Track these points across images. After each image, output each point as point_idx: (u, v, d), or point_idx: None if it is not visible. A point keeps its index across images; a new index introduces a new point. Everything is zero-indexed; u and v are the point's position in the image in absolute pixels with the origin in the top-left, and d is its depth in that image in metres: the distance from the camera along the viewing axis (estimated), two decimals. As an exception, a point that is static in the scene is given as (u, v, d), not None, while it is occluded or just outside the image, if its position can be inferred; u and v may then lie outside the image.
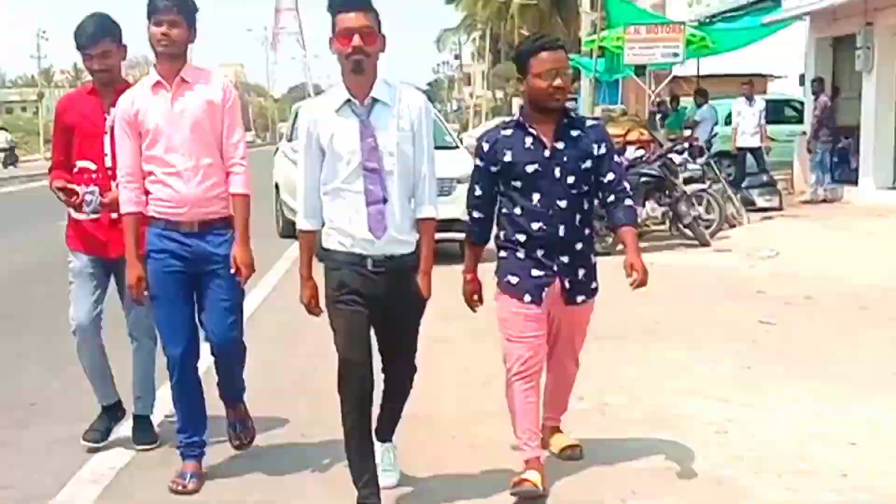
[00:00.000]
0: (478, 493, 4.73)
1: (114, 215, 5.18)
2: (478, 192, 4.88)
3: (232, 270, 4.83)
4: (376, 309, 4.42)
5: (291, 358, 7.48)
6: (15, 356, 7.60)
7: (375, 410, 4.63)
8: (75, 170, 5.35)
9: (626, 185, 4.91)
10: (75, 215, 5.36)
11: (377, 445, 4.69)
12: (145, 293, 4.94)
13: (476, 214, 4.89)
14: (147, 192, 4.91)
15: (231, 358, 5.12)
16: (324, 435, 5.34)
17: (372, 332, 4.50)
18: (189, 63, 4.98)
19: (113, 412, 5.58)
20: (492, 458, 5.13)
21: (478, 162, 4.89)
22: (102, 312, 5.46)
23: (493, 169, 4.78)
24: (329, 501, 4.70)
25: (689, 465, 5.04)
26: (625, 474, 4.92)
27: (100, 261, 5.39)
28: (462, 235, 5.10)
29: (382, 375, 4.64)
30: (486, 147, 4.81)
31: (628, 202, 4.86)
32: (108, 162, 5.24)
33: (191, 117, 4.83)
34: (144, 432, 5.43)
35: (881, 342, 7.81)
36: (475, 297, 4.94)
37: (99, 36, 5.19)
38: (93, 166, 5.29)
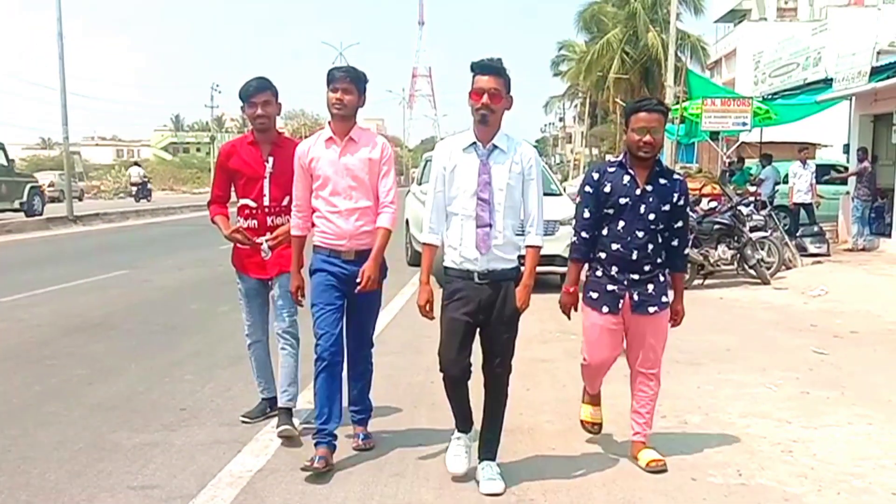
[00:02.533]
0: (574, 498, 4.44)
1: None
2: (586, 214, 4.80)
3: (358, 279, 4.79)
4: (481, 315, 4.43)
5: (412, 372, 7.06)
6: (170, 364, 7.30)
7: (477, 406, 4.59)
8: (238, 205, 5.40)
9: (689, 235, 4.84)
10: (242, 243, 5.40)
11: (481, 463, 4.57)
12: (303, 299, 5.08)
13: (583, 234, 4.80)
14: (314, 225, 4.96)
15: (362, 367, 5.18)
16: (439, 440, 5.11)
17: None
18: (357, 123, 4.98)
19: (269, 402, 5.65)
20: (588, 467, 4.86)
21: (587, 189, 4.82)
22: (268, 322, 5.52)
23: (599, 196, 4.75)
24: (440, 502, 4.39)
25: (759, 482, 4.70)
26: (703, 488, 4.59)
27: (262, 282, 5.43)
28: (562, 269, 5.08)
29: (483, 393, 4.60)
30: (595, 176, 4.82)
31: (686, 251, 4.95)
32: (265, 201, 5.30)
33: (354, 169, 4.85)
34: (287, 421, 5.26)
35: (918, 374, 7.33)
36: (570, 307, 4.86)
37: (262, 88, 5.27)
38: (253, 204, 5.33)
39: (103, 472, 4.72)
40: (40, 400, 6.23)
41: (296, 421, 5.34)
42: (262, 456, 4.99)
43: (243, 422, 5.51)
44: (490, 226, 4.38)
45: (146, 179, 44.48)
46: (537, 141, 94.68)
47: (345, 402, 5.16)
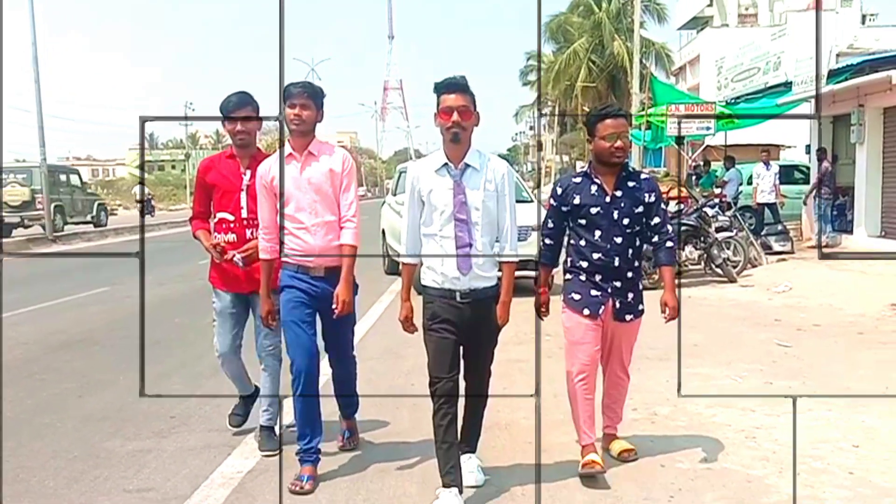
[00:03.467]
0: (549, 488, 4.60)
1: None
2: (550, 224, 4.86)
3: (333, 305, 4.75)
4: (464, 332, 4.38)
5: (393, 374, 7.31)
6: (157, 376, 7.43)
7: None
8: (215, 219, 5.32)
9: (669, 228, 4.86)
10: (217, 259, 5.28)
11: (463, 456, 4.55)
12: (274, 323, 4.96)
13: (547, 241, 4.86)
14: (282, 243, 4.86)
15: (346, 370, 5.19)
16: (421, 438, 5.28)
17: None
18: (316, 138, 4.91)
19: (250, 398, 5.65)
20: (560, 458, 5.05)
21: (552, 202, 4.84)
22: (241, 341, 5.44)
23: (564, 208, 4.77)
24: (424, 494, 4.52)
25: (724, 466, 4.93)
26: (671, 473, 4.80)
27: (239, 297, 5.33)
28: (535, 273, 5.01)
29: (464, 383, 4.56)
30: (559, 191, 4.82)
31: (670, 244, 4.87)
32: (243, 213, 5.21)
33: (315, 183, 4.78)
34: (270, 441, 5.27)
35: (874, 362, 7.62)
36: (543, 307, 4.84)
37: (242, 104, 5.18)
38: (231, 217, 5.25)
39: (99, 478, 4.87)
40: (33, 413, 6.36)
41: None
42: (252, 458, 5.15)
43: (232, 424, 5.57)
44: (470, 245, 4.33)
45: (150, 196, 46.03)
46: (509, 150, 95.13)
47: (326, 412, 5.09)
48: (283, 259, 4.86)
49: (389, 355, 7.90)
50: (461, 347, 4.44)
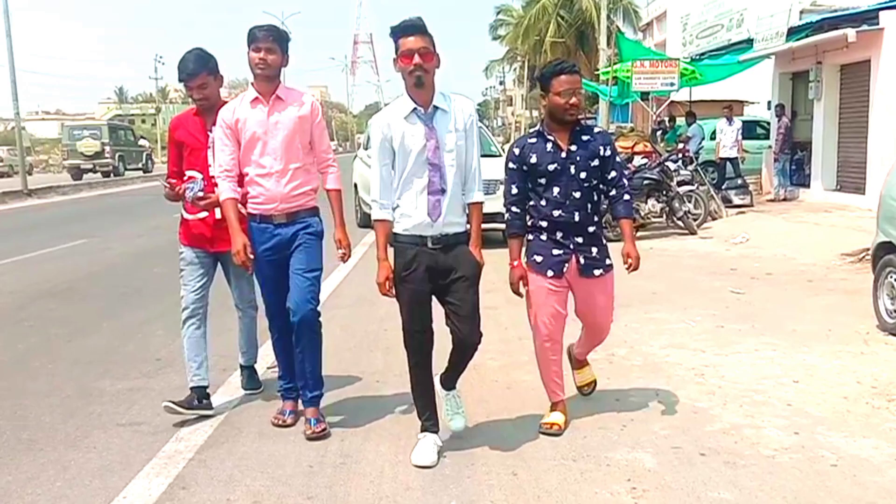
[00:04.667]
0: (513, 424, 4.86)
1: (217, 215, 4.96)
2: (513, 190, 4.67)
3: (339, 251, 4.81)
4: (438, 280, 4.27)
5: (367, 321, 7.48)
6: (141, 322, 7.65)
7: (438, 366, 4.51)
8: (185, 178, 5.09)
9: (626, 181, 4.81)
10: (185, 216, 5.13)
11: (443, 393, 4.51)
12: (249, 263, 4.66)
13: (514, 209, 4.67)
14: (246, 193, 4.74)
15: (308, 330, 4.71)
16: (395, 381, 5.49)
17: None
18: (282, 83, 4.78)
19: (198, 394, 5.02)
20: (524, 396, 5.28)
21: (511, 165, 4.69)
22: (208, 297, 5.14)
23: (524, 168, 4.64)
24: (400, 436, 4.63)
25: (673, 400, 5.24)
26: (626, 406, 5.10)
27: (207, 254, 5.11)
28: (503, 225, 4.85)
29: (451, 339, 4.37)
30: (517, 152, 4.68)
31: (626, 197, 4.79)
32: (211, 171, 4.96)
33: (283, 128, 4.65)
34: (251, 380, 5.43)
35: (821, 307, 7.99)
36: (519, 280, 4.63)
37: (198, 70, 4.93)
38: (198, 175, 5.03)
39: (93, 414, 5.14)
40: (25, 356, 6.61)
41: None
42: (235, 395, 5.43)
43: (166, 408, 4.90)
44: (443, 191, 4.22)
45: (150, 150, 47.01)
46: (479, 105, 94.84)
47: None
48: (248, 211, 4.75)
49: (363, 302, 8.15)
50: (435, 296, 4.34)
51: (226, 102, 5.05)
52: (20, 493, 3.99)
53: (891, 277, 6.91)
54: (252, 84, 4.73)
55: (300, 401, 4.91)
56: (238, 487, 4.00)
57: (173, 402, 4.90)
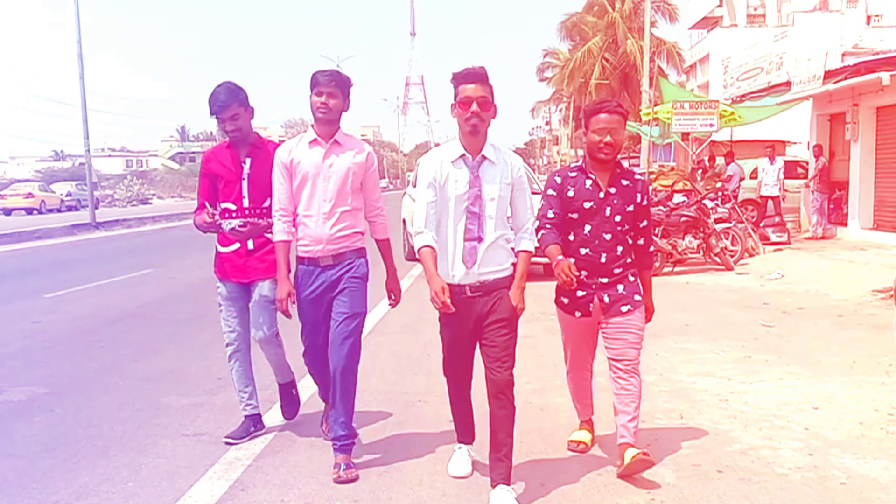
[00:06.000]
0: (543, 441, 5.09)
1: (250, 246, 5.01)
2: (550, 213, 4.55)
3: (389, 299, 4.93)
4: (479, 324, 4.18)
5: (412, 347, 7.73)
6: (203, 345, 7.96)
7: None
8: (219, 210, 5.05)
9: (652, 232, 4.80)
10: (219, 249, 5.14)
11: (494, 490, 4.11)
12: (290, 307, 4.68)
13: (548, 226, 4.51)
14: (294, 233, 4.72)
15: (343, 379, 4.59)
16: (436, 401, 5.75)
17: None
18: (340, 128, 4.74)
19: (252, 421, 5.22)
20: (556, 417, 5.53)
21: (550, 192, 4.60)
22: (249, 329, 5.17)
23: (562, 198, 4.57)
24: (439, 450, 4.89)
25: (696, 422, 5.46)
26: (651, 426, 5.32)
27: (240, 286, 5.10)
28: (543, 259, 4.87)
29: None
30: (558, 180, 4.61)
31: (651, 248, 4.78)
32: (245, 202, 4.99)
33: (336, 172, 4.63)
34: (290, 404, 5.48)
35: (848, 341, 8.09)
36: (566, 267, 4.32)
37: (229, 102, 4.91)
38: (233, 207, 5.01)
39: (160, 425, 5.52)
40: (97, 374, 7.03)
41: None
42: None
43: (227, 443, 5.06)
44: (480, 239, 4.15)
45: None
46: (525, 144, 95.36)
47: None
48: (297, 254, 4.73)
49: (408, 330, 8.44)
50: (476, 342, 4.26)
51: (259, 135, 5.19)
52: (97, 492, 4.35)
53: (912, 311, 7.05)
54: (312, 126, 4.72)
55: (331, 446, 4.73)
56: (291, 491, 4.33)
57: (232, 438, 5.09)
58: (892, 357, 7.23)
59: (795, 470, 4.59)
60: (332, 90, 4.60)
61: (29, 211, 39.35)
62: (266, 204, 4.95)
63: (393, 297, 4.96)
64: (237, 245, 5.06)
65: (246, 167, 4.99)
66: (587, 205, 4.53)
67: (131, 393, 6.38)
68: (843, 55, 19.92)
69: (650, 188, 4.80)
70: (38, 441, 5.24)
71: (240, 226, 4.96)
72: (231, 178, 5.02)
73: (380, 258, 4.85)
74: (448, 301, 4.01)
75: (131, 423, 5.57)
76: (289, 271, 4.70)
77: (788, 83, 19.77)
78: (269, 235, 4.92)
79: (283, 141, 5.02)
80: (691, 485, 4.38)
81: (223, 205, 5.06)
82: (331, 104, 4.59)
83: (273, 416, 5.58)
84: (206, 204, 5.06)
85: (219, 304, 5.21)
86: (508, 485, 4.11)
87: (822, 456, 4.81)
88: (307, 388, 5.77)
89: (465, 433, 4.62)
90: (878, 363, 7.09)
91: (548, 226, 4.55)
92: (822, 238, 17.67)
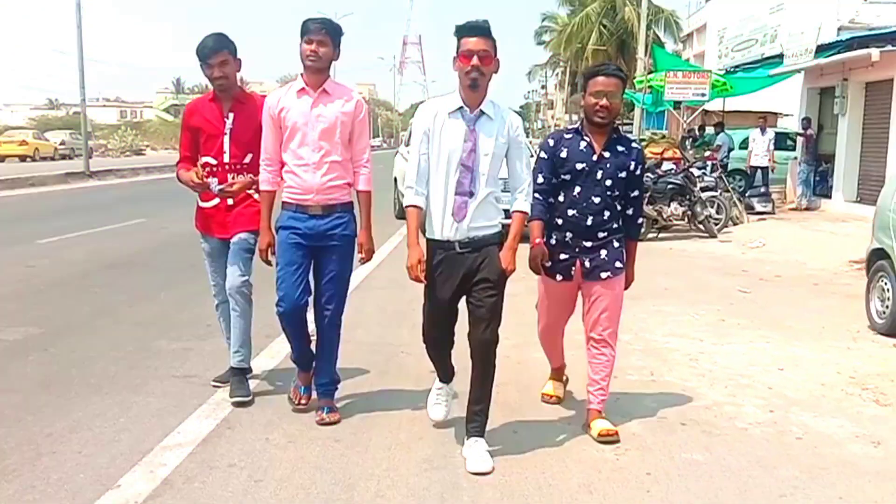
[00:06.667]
0: (519, 393, 5.28)
1: (230, 201, 4.99)
2: (540, 179, 4.54)
3: (359, 254, 4.74)
4: (467, 281, 4.16)
5: (397, 302, 7.83)
6: (194, 294, 7.84)
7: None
8: (200, 164, 5.02)
9: (644, 202, 4.83)
10: (200, 204, 5.11)
11: (468, 441, 4.21)
12: (271, 258, 4.70)
13: (538, 196, 4.47)
14: (283, 180, 4.67)
15: (330, 332, 4.76)
16: (418, 353, 5.60)
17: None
18: (331, 77, 4.67)
19: (246, 371, 5.18)
20: (532, 371, 5.65)
21: (542, 154, 4.59)
22: None
23: (554, 161, 4.55)
24: (418, 396, 5.00)
25: (665, 379, 5.69)
26: (622, 382, 5.48)
27: (223, 241, 5.07)
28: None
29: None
30: (550, 143, 4.60)
31: (640, 220, 4.81)
32: (226, 158, 4.95)
33: (325, 121, 4.54)
34: (241, 386, 4.99)
35: (821, 308, 8.34)
36: (539, 258, 4.51)
37: (218, 48, 4.86)
38: (214, 161, 4.97)
39: (151, 367, 5.71)
40: (91, 318, 7.21)
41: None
42: (276, 357, 5.92)
43: (215, 386, 5.22)
44: (471, 194, 4.10)
45: None
46: (521, 107, 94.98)
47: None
48: (283, 199, 4.67)
49: (394, 285, 8.59)
50: (457, 308, 4.29)
51: (243, 90, 5.12)
52: (89, 426, 4.54)
53: (881, 281, 7.27)
54: (301, 75, 4.63)
55: (315, 390, 4.88)
56: (276, 430, 4.53)
57: (220, 381, 5.20)
58: (860, 324, 7.46)
59: (756, 425, 4.81)
60: (323, 38, 4.51)
61: (23, 158, 39.12)
62: (247, 160, 4.94)
63: (363, 255, 4.78)
64: (217, 201, 5.05)
65: (228, 122, 4.94)
66: (579, 166, 4.50)
67: (124, 336, 6.56)
68: (839, 30, 20.00)
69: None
70: (33, 378, 5.43)
71: (228, 185, 4.96)
72: (213, 132, 4.97)
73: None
74: (422, 276, 4.14)
75: (123, 364, 5.75)
76: (269, 222, 4.73)
77: (781, 56, 19.87)
78: (251, 192, 4.98)
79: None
80: (654, 435, 4.60)
81: (204, 158, 5.02)
82: (321, 52, 4.51)
83: (260, 361, 5.75)
84: (198, 165, 5.04)
85: (204, 258, 5.29)
86: (482, 437, 4.22)
87: (782, 413, 5.03)
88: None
89: (444, 374, 4.61)
90: (847, 329, 7.32)
91: (537, 195, 4.49)
92: (807, 209, 17.91)
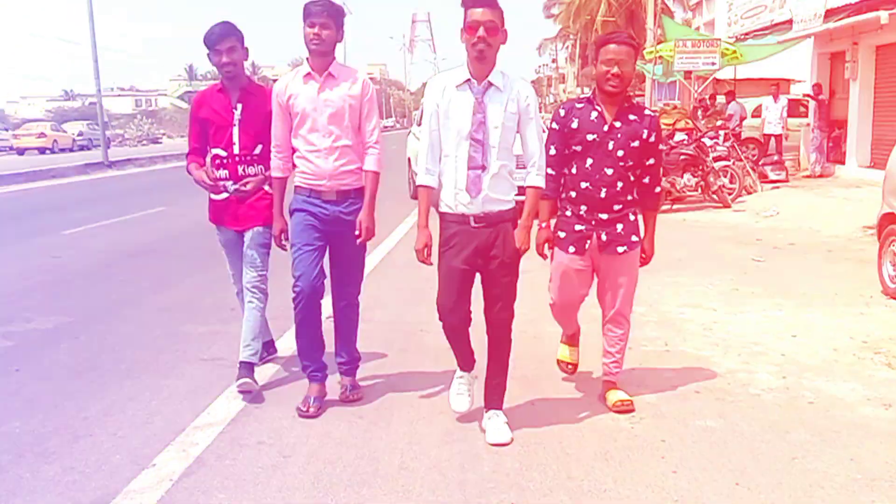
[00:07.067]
0: (535, 366, 5.36)
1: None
2: (552, 151, 4.48)
3: (356, 232, 4.60)
4: (479, 260, 4.11)
5: (415, 280, 7.79)
6: (217, 279, 7.48)
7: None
8: (210, 156, 5.01)
9: (661, 171, 4.61)
10: (212, 196, 5.05)
11: (487, 413, 4.33)
12: (284, 243, 4.77)
13: (550, 171, 4.37)
14: (295, 166, 4.66)
15: (348, 313, 4.88)
16: (436, 330, 5.64)
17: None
18: (336, 59, 4.62)
19: (266, 346, 5.42)
20: (548, 344, 5.67)
21: (553, 125, 4.53)
22: None
23: (565, 131, 4.49)
24: (437, 373, 5.17)
25: (680, 349, 5.78)
26: (636, 353, 5.58)
27: (235, 234, 5.05)
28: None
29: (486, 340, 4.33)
30: (562, 113, 4.54)
31: (658, 189, 4.64)
32: (235, 149, 4.89)
33: (332, 105, 4.51)
34: (247, 374, 4.89)
35: (834, 274, 8.41)
36: (545, 242, 4.55)
37: (226, 34, 4.82)
38: (223, 153, 4.92)
39: (179, 351, 5.87)
40: (118, 305, 7.38)
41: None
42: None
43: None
44: (483, 168, 4.01)
45: None
46: (532, 82, 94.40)
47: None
48: (296, 184, 4.66)
49: (412, 265, 8.53)
50: (475, 276, 4.19)
51: (251, 80, 5.09)
52: (122, 409, 4.70)
53: (893, 246, 7.32)
54: (307, 59, 4.59)
55: (339, 371, 4.94)
56: (301, 408, 4.66)
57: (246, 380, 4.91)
58: (873, 289, 7.52)
59: (768, 391, 4.90)
60: (325, 20, 4.45)
61: (41, 150, 39.49)
62: (257, 150, 4.90)
63: (359, 233, 4.61)
64: (228, 194, 5.01)
65: (237, 113, 4.89)
66: (590, 137, 4.42)
67: (151, 322, 6.72)
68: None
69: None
70: (66, 365, 5.59)
71: (242, 185, 4.92)
72: (222, 123, 4.91)
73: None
74: (428, 260, 4.15)
75: (152, 350, 5.91)
76: (282, 209, 4.78)
77: (790, 21, 19.72)
78: (265, 188, 4.95)
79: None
80: (669, 403, 4.70)
81: (213, 150, 4.97)
82: (324, 35, 4.45)
83: (285, 342, 5.88)
84: (208, 166, 5.01)
85: (221, 247, 5.26)
86: (500, 409, 4.32)
87: (795, 379, 5.12)
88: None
89: (465, 362, 4.46)
90: (860, 295, 7.38)
91: (549, 171, 4.37)
92: (821, 176, 17.83)
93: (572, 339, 5.17)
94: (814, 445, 4.09)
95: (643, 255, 4.68)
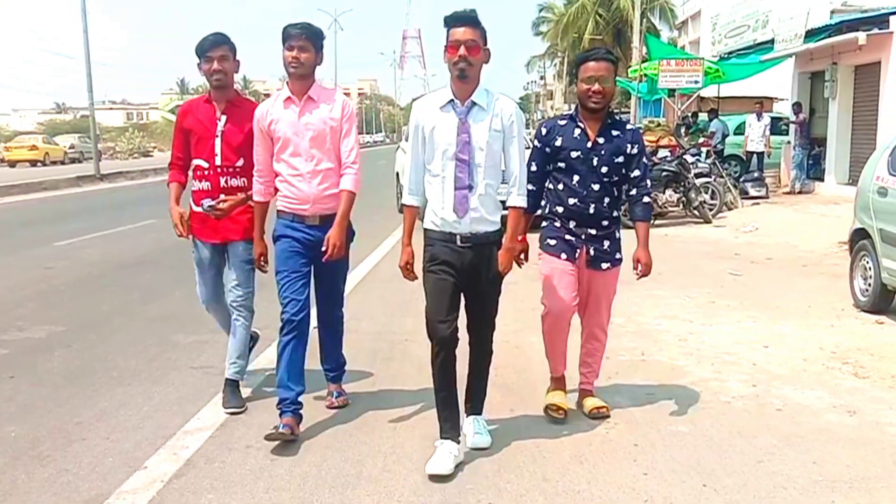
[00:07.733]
0: (517, 376, 5.50)
1: (223, 205, 4.82)
2: (533, 167, 4.51)
3: (323, 248, 4.44)
4: (465, 278, 4.08)
5: (401, 293, 7.66)
6: None
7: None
8: (192, 167, 4.94)
9: (648, 183, 4.64)
10: (194, 207, 4.94)
11: (468, 419, 4.33)
12: (264, 265, 4.74)
13: (530, 187, 4.34)
14: (277, 190, 4.59)
15: (332, 329, 4.94)
16: (422, 341, 5.61)
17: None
18: (317, 82, 4.58)
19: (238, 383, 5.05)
20: (530, 355, 5.88)
21: (536, 143, 4.57)
22: (223, 288, 5.07)
23: (547, 150, 4.52)
24: (422, 381, 5.00)
25: (655, 358, 5.94)
26: (613, 363, 5.69)
27: (216, 248, 4.97)
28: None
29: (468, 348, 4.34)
30: (544, 131, 4.57)
31: (647, 200, 4.62)
32: (217, 161, 4.82)
33: (313, 129, 4.46)
34: (234, 397, 4.88)
35: (808, 288, 8.60)
36: (520, 253, 4.50)
37: (219, 42, 4.79)
38: (205, 164, 4.85)
39: (170, 359, 5.99)
40: (109, 315, 7.49)
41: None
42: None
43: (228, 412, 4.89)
44: (470, 188, 3.99)
45: None
46: (521, 98, 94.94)
47: (316, 367, 5.03)
48: (278, 209, 4.59)
49: (397, 279, 8.54)
50: (461, 293, 4.15)
51: (238, 93, 5.06)
52: (115, 415, 4.81)
53: (864, 260, 7.51)
54: (286, 83, 4.57)
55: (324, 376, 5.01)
56: (288, 414, 4.78)
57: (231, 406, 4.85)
58: (845, 302, 7.70)
59: (738, 398, 5.06)
60: (304, 44, 4.43)
61: (33, 163, 39.47)
62: (239, 163, 4.83)
63: (325, 248, 4.45)
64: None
65: (220, 124, 4.83)
66: (574, 154, 4.46)
67: (142, 332, 6.84)
68: (832, 13, 20.07)
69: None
70: (59, 373, 5.71)
71: (219, 202, 4.82)
72: (205, 134, 4.86)
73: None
74: (411, 277, 4.19)
75: (143, 358, 6.03)
76: (263, 232, 4.73)
77: (773, 41, 20.01)
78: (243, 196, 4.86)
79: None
80: (643, 410, 4.85)
81: (196, 161, 4.91)
82: (302, 58, 4.42)
83: (271, 352, 5.98)
84: (180, 220, 4.91)
85: (194, 267, 5.16)
86: (481, 414, 4.41)
87: (764, 387, 5.28)
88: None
89: (449, 423, 4.16)
90: (832, 308, 7.57)
91: (530, 185, 4.37)
92: (801, 193, 18.09)
93: (560, 382, 4.90)
94: (779, 449, 4.24)
95: (640, 265, 4.66)
